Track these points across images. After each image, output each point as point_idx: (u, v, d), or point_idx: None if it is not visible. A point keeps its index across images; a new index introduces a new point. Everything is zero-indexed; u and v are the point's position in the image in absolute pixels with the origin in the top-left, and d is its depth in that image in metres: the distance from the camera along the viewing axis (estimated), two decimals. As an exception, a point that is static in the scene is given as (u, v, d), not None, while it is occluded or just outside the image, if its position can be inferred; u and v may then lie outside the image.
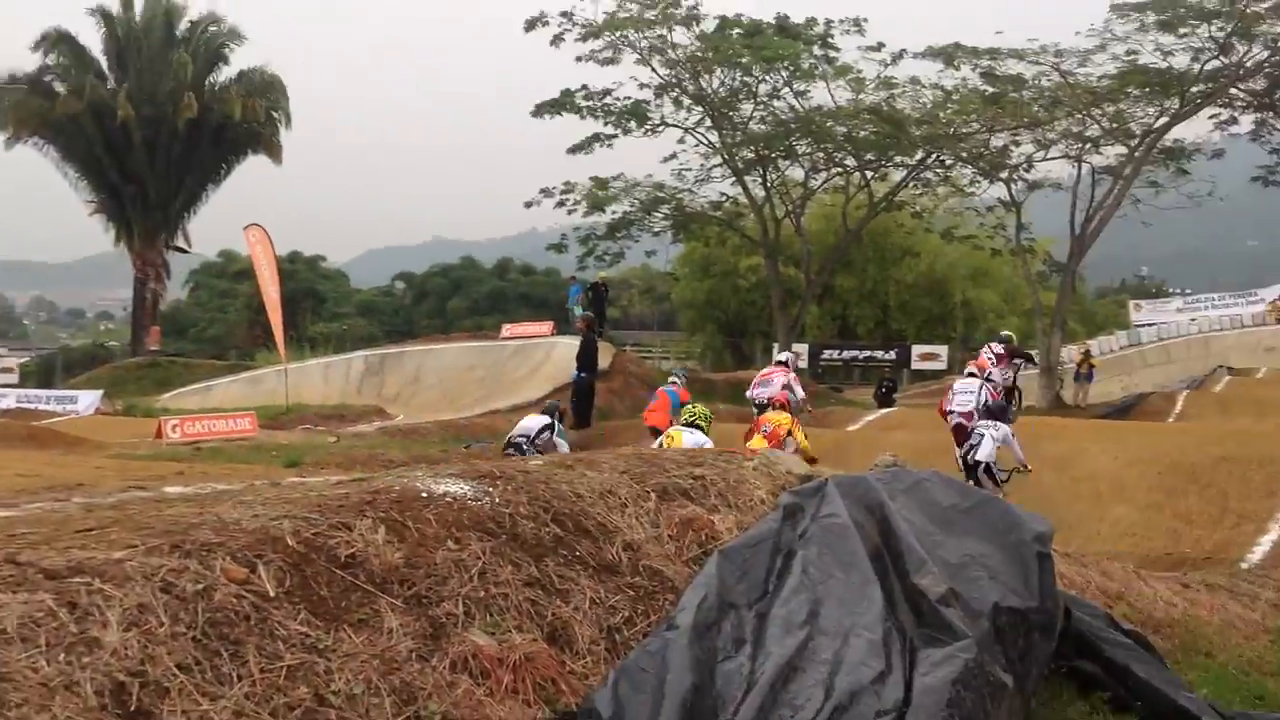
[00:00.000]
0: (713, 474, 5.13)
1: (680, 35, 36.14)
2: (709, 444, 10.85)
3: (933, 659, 3.81)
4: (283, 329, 33.05)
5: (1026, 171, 38.33)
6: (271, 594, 3.48)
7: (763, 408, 16.96)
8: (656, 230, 40.57)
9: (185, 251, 58.97)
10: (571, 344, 28.99)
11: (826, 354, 52.54)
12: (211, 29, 55.33)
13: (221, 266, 77.67)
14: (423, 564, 3.84)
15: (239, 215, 35.58)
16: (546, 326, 38.98)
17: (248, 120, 52.15)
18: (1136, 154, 35.51)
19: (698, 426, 12.28)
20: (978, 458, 13.71)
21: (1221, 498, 13.28)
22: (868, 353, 52.47)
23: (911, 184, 40.99)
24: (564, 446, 16.09)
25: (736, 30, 36.21)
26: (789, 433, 14.25)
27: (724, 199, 41.48)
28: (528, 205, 39.29)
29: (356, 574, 3.71)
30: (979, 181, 40.25)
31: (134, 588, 3.26)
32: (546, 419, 17.17)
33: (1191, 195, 37.38)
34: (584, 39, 35.72)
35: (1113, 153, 37.35)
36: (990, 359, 19.13)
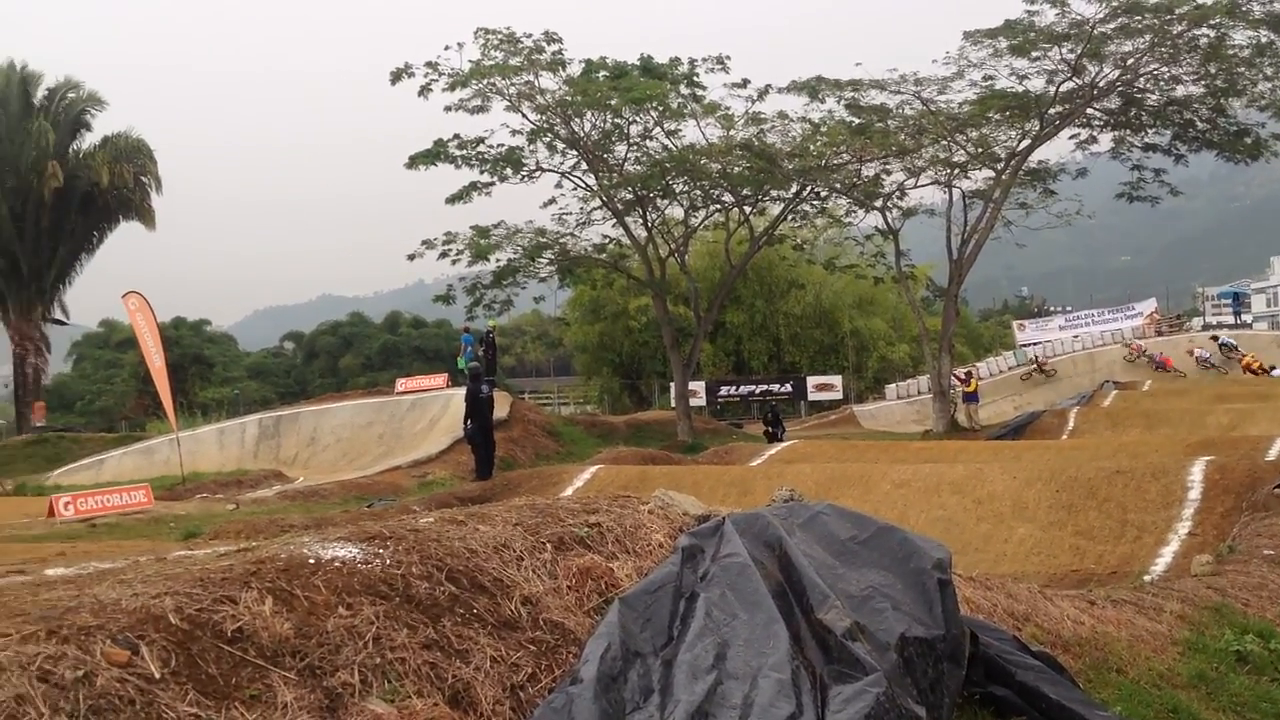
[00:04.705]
0: (609, 520, 5.04)
1: (547, 80, 36.39)
2: None
3: (843, 695, 3.77)
4: (172, 397, 32.22)
5: (900, 199, 39.22)
6: (156, 675, 3.32)
7: None
8: (542, 276, 40.53)
9: (63, 323, 57.55)
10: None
11: (724, 390, 52.93)
12: (70, 95, 54.24)
13: (104, 337, 76.24)
14: (314, 633, 3.71)
15: (117, 283, 34.71)
16: (441, 379, 38.72)
17: (116, 186, 51.13)
18: (1003, 177, 36.45)
19: None
20: None
21: (1120, 511, 13.47)
22: (764, 387, 52.89)
23: (790, 217, 41.54)
24: None
25: (602, 73, 36.49)
26: None
27: (607, 241, 41.70)
28: (411, 258, 39.01)
29: (245, 648, 3.57)
30: (855, 211, 41.06)
31: (9, 678, 3.09)
32: None
33: (1060, 214, 38.50)
34: (451, 88, 35.67)
35: (981, 177, 38.43)
36: None
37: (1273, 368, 43.71)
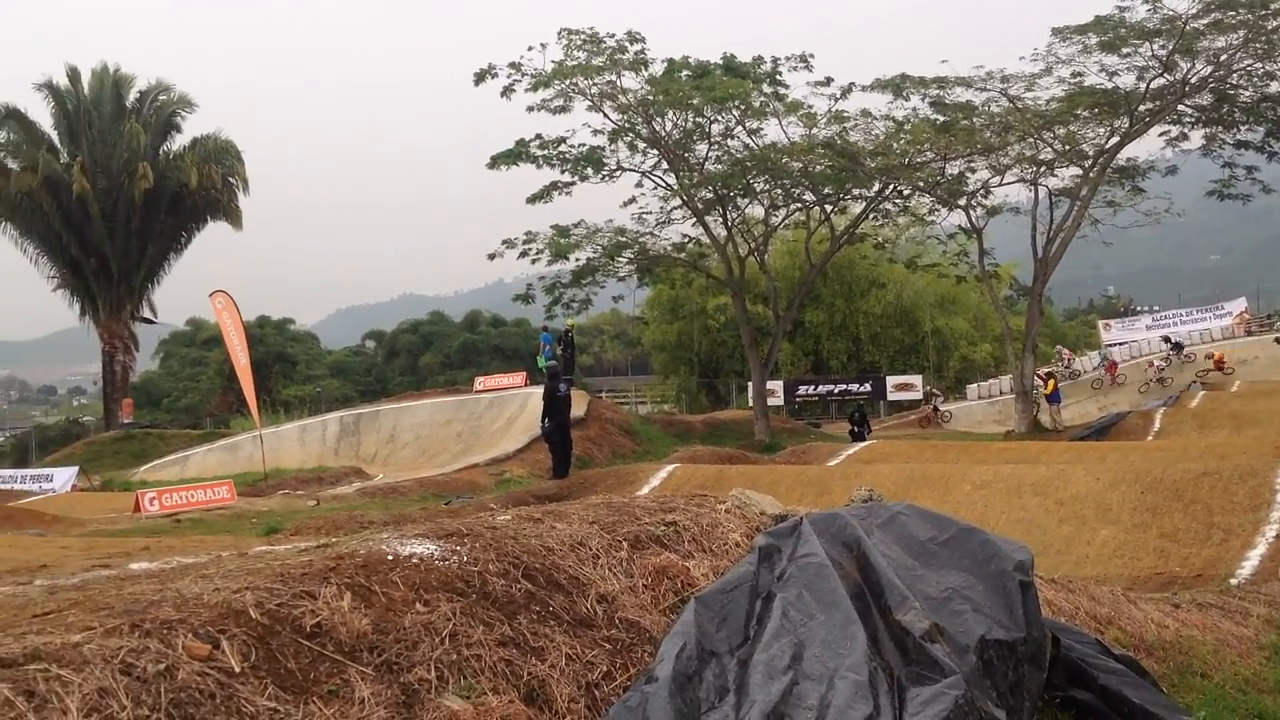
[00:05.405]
0: (685, 519, 5.03)
1: (629, 80, 36.44)
2: None
3: (921, 698, 3.72)
4: (255, 394, 32.75)
5: (984, 197, 38.65)
6: (236, 669, 3.36)
7: None
8: (621, 275, 40.52)
9: (151, 322, 58.73)
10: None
11: (802, 390, 52.62)
12: (161, 98, 55.42)
13: (190, 335, 77.55)
14: (391, 629, 3.73)
15: (204, 282, 35.44)
16: (519, 377, 38.94)
17: (205, 187, 52.11)
18: (1091, 174, 35.82)
19: None
20: None
21: (1206, 514, 13.18)
22: (843, 386, 52.47)
23: (871, 216, 41.18)
24: None
25: (685, 72, 36.44)
26: None
27: (686, 240, 41.61)
28: (491, 258, 39.23)
29: (324, 643, 3.60)
30: (938, 210, 40.56)
31: (93, 671, 3.13)
32: None
33: (1149, 213, 37.74)
34: (534, 89, 35.85)
35: (1068, 174, 37.77)
36: None
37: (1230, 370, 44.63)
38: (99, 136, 52.99)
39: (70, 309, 54.98)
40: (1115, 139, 35.77)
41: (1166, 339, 49.16)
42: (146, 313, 56.30)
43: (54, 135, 53.51)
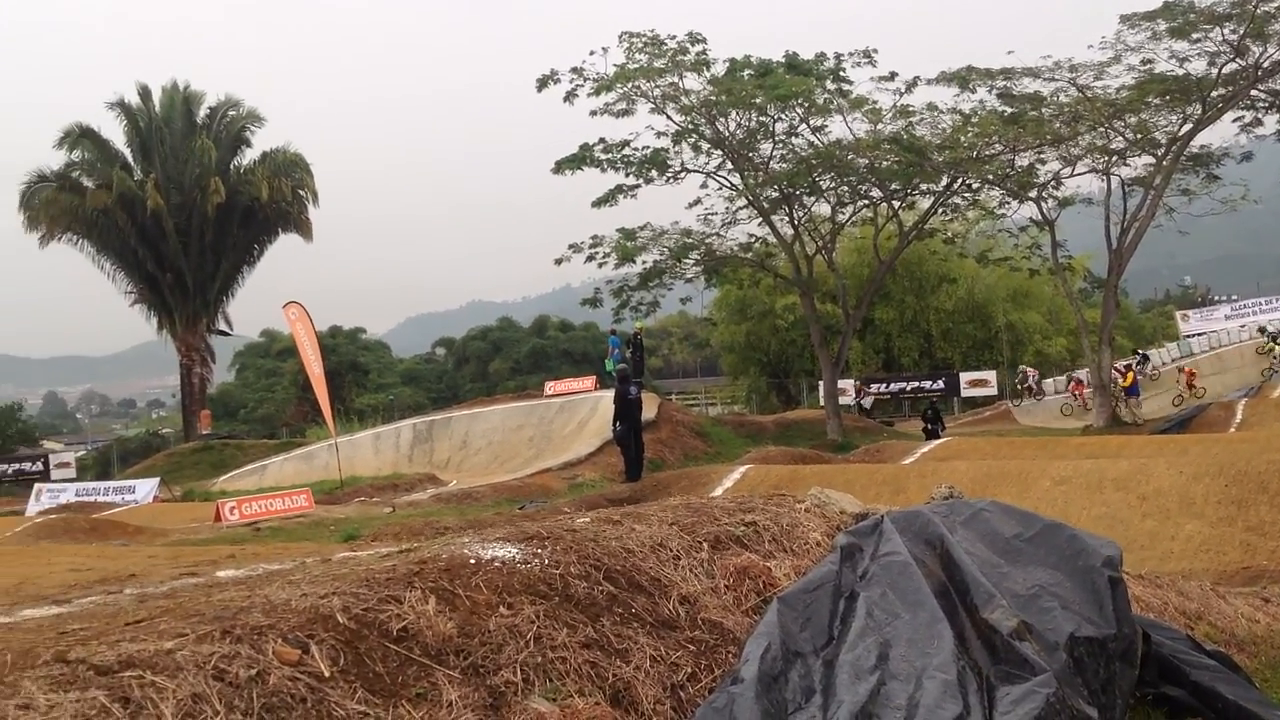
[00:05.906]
0: (765, 519, 5.01)
1: (692, 81, 36.27)
2: None
3: (1012, 696, 3.68)
4: (330, 403, 33.12)
5: (1055, 189, 38.08)
6: (326, 674, 3.39)
7: None
8: (689, 277, 40.38)
9: (227, 334, 59.65)
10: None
11: (874, 388, 52.19)
12: (231, 113, 56.31)
13: (265, 346, 78.70)
14: (476, 632, 3.75)
15: (277, 294, 35.93)
16: (589, 381, 38.99)
17: (275, 200, 52.86)
18: (1164, 163, 35.20)
19: None
20: None
21: (1293, 506, 12.92)
22: (915, 384, 51.94)
23: (940, 210, 40.73)
24: None
25: (747, 71, 36.25)
26: None
27: (753, 240, 41.38)
28: (558, 262, 39.27)
29: (410, 647, 3.63)
30: (1008, 203, 40.05)
31: (186, 677, 3.18)
32: None
33: (1225, 200, 36.99)
34: (596, 93, 35.86)
35: (1140, 163, 37.13)
36: None
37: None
38: (171, 153, 53.93)
39: (148, 323, 56.15)
40: (1188, 126, 35.14)
41: (1135, 350, 48.21)
42: (222, 325, 57.28)
43: (127, 153, 54.55)
